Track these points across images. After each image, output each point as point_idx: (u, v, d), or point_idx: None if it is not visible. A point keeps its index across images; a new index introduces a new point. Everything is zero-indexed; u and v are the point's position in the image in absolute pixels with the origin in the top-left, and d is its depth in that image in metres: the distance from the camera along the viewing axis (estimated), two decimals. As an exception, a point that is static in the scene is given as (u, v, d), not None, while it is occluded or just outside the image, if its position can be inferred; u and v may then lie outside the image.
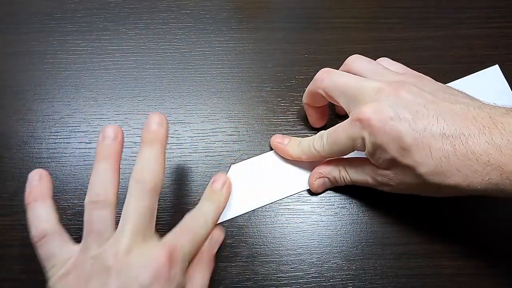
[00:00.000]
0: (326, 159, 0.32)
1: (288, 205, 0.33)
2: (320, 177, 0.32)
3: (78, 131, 0.35)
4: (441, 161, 0.24)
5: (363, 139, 0.26)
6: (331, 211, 0.33)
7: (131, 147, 0.34)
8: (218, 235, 0.29)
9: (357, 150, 0.28)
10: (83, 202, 0.32)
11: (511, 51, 0.38)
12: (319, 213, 0.32)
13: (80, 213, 0.32)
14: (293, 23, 0.40)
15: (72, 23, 0.39)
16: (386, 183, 0.28)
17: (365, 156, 0.28)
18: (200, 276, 0.27)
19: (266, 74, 0.37)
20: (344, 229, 0.32)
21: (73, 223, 0.32)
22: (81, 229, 0.32)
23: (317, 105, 0.32)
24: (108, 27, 0.39)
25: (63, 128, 0.35)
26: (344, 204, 0.33)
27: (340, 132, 0.28)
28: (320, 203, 0.33)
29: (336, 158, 0.31)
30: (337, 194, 0.33)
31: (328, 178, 0.31)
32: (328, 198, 0.33)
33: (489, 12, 0.40)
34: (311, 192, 0.33)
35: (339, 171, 0.30)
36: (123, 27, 0.39)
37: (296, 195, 0.33)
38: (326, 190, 0.33)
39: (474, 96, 0.27)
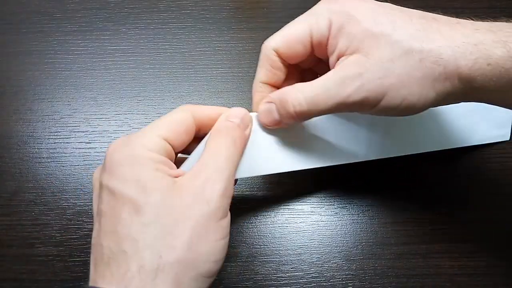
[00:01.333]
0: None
1: (288, 205, 0.33)
2: (267, 102, 0.25)
3: (78, 131, 0.35)
4: (421, 26, 0.23)
5: (328, 13, 0.23)
6: (331, 211, 0.33)
7: (131, 147, 0.34)
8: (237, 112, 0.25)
9: (315, 34, 0.24)
10: (83, 202, 0.33)
11: (511, 51, 0.38)
12: (319, 213, 0.32)
13: (80, 213, 0.32)
14: (293, 23, 0.40)
15: (72, 23, 0.39)
16: (353, 78, 0.22)
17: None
18: (217, 144, 0.23)
19: (266, 74, 0.37)
20: (344, 229, 0.32)
21: (73, 223, 0.32)
22: (80, 229, 0.32)
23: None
24: (108, 27, 0.39)
25: (63, 128, 0.35)
26: (344, 204, 0.33)
27: (299, 17, 0.25)
28: (320, 203, 0.33)
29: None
30: (337, 194, 0.33)
31: (276, 104, 0.24)
32: (328, 198, 0.33)
33: (489, 12, 0.40)
34: (310, 192, 0.33)
35: (293, 93, 0.23)
36: (123, 27, 0.39)
37: (296, 194, 0.33)
38: (276, 125, 0.25)
39: None
